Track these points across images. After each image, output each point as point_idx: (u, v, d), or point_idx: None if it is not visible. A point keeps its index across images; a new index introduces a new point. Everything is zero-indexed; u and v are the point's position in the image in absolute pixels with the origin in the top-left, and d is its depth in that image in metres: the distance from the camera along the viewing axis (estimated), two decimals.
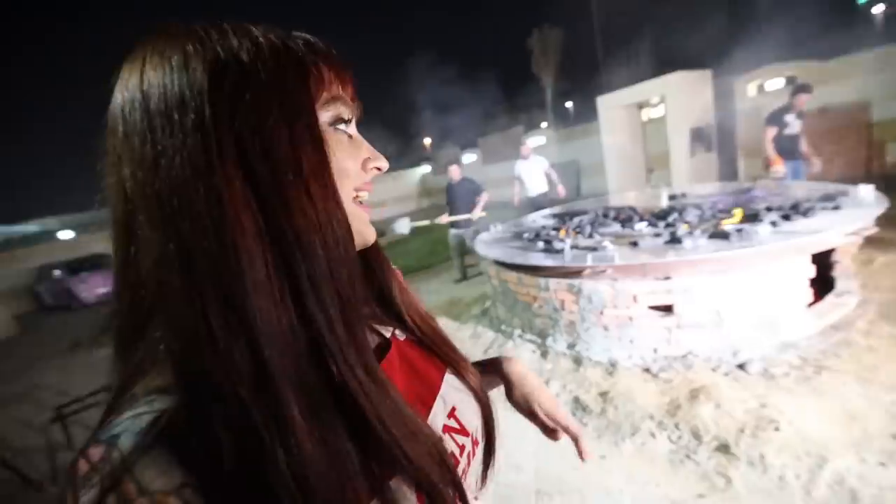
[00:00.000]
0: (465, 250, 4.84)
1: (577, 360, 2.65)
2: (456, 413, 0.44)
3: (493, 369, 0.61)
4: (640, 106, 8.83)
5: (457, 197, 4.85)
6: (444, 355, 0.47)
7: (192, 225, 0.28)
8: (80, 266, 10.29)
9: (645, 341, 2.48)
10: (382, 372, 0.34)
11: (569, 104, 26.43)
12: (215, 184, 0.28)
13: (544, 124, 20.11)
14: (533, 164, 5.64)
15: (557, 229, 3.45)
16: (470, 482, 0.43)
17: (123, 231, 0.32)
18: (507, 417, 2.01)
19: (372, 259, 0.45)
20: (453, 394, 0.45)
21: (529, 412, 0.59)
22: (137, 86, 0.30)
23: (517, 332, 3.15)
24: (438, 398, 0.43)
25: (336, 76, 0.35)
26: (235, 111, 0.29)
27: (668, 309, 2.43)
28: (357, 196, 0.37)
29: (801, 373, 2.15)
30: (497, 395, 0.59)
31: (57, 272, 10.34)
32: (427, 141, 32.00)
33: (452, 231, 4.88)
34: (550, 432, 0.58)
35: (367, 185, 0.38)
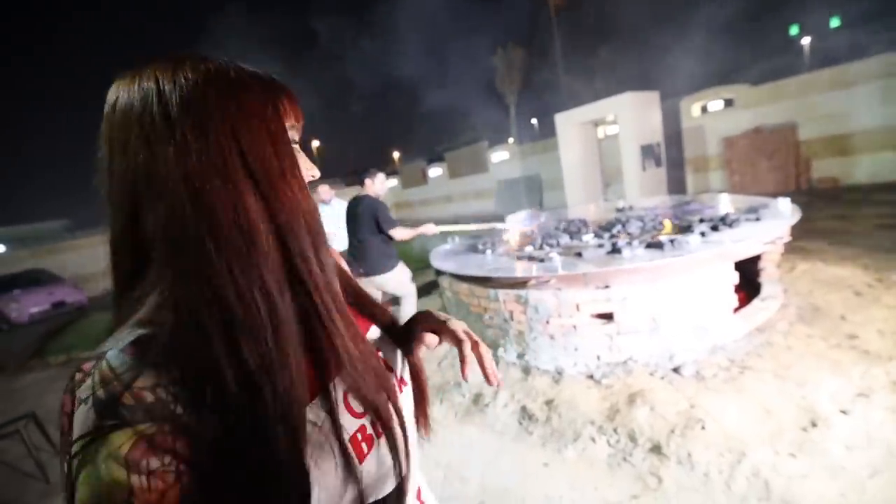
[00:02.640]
0: None
1: (526, 370, 2.71)
2: (380, 353, 0.55)
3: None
4: (597, 123, 9.28)
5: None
6: (368, 312, 0.60)
7: (217, 207, 0.39)
8: (13, 283, 9.47)
9: (588, 349, 2.57)
10: (344, 303, 0.49)
11: (534, 120, 27.35)
12: (230, 178, 0.40)
13: (511, 140, 20.68)
14: (333, 211, 4.38)
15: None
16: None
17: (129, 204, 0.41)
18: (454, 432, 2.02)
19: None
20: (378, 339, 0.58)
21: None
22: (172, 89, 0.40)
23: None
24: (366, 340, 0.53)
25: (291, 108, 0.47)
26: (237, 130, 0.41)
27: (608, 317, 2.54)
28: None
29: (728, 373, 2.29)
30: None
31: None
32: (396, 155, 32.09)
33: None
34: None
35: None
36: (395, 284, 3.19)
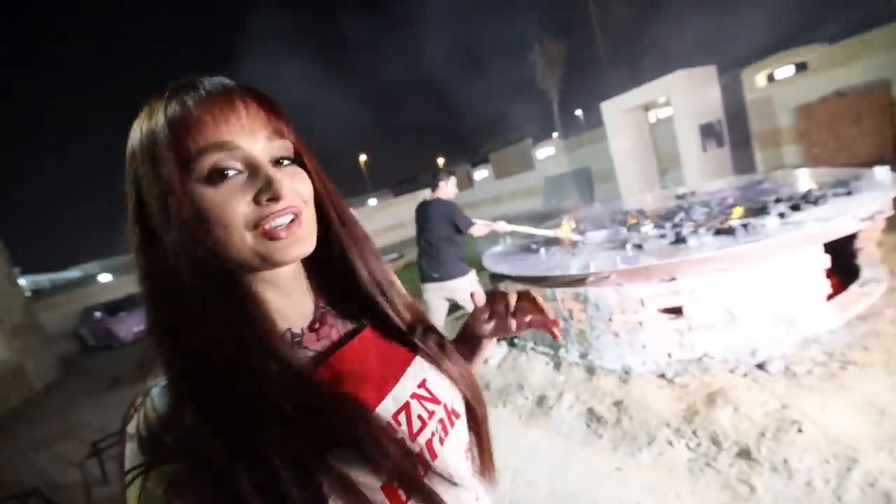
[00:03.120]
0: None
1: (590, 370, 2.60)
2: (426, 384, 0.49)
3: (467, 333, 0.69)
4: (647, 108, 8.77)
5: None
6: (419, 339, 0.52)
7: (139, 263, 0.41)
8: (119, 307, 10.84)
9: (657, 346, 2.41)
10: (298, 363, 0.41)
11: (578, 112, 26.43)
12: (137, 232, 0.41)
13: (555, 135, 20.16)
14: None
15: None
16: (448, 451, 0.46)
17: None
18: (518, 435, 1.99)
19: (339, 261, 0.51)
20: (425, 369, 0.50)
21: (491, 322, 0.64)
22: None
23: (529, 344, 3.11)
24: (408, 372, 0.49)
25: (210, 123, 0.39)
26: (137, 182, 0.41)
27: (678, 311, 2.37)
28: (261, 226, 0.40)
29: (826, 369, 2.04)
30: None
31: (97, 314, 10.91)
32: (440, 161, 32.48)
33: None
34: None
35: (277, 213, 0.40)
36: (467, 292, 3.00)
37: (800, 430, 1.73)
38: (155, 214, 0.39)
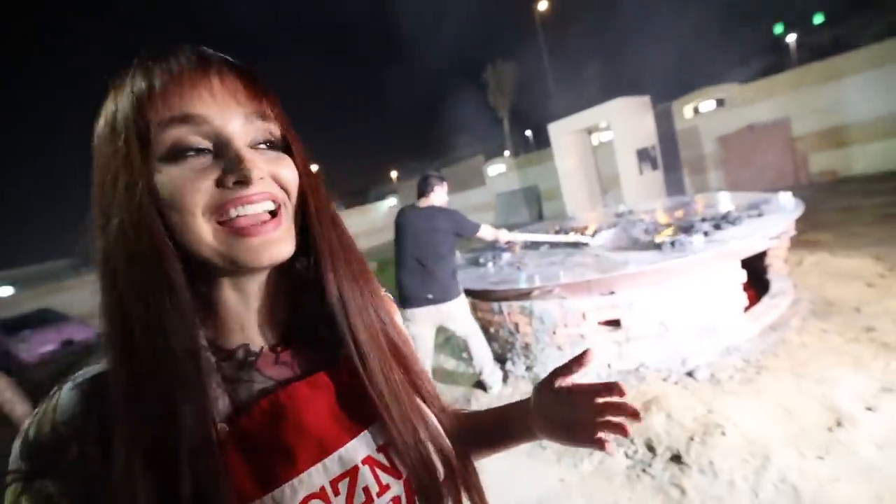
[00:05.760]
0: None
1: (536, 382, 2.64)
2: (390, 451, 0.41)
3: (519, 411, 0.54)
4: (590, 131, 9.34)
5: None
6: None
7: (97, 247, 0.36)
8: (22, 324, 9.52)
9: (598, 357, 2.51)
10: (211, 407, 0.35)
11: (528, 132, 27.67)
12: (95, 216, 0.37)
13: (506, 153, 20.90)
14: None
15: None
16: None
17: None
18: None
19: (312, 272, 0.42)
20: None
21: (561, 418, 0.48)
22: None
23: None
24: (368, 431, 0.40)
25: (175, 93, 0.34)
26: (96, 160, 0.36)
27: (616, 323, 2.49)
28: (224, 213, 0.34)
29: (744, 375, 2.22)
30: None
31: None
32: (394, 174, 32.44)
33: None
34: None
35: (244, 199, 0.35)
36: (464, 314, 2.52)
37: (723, 433, 1.86)
38: (108, 194, 0.34)
